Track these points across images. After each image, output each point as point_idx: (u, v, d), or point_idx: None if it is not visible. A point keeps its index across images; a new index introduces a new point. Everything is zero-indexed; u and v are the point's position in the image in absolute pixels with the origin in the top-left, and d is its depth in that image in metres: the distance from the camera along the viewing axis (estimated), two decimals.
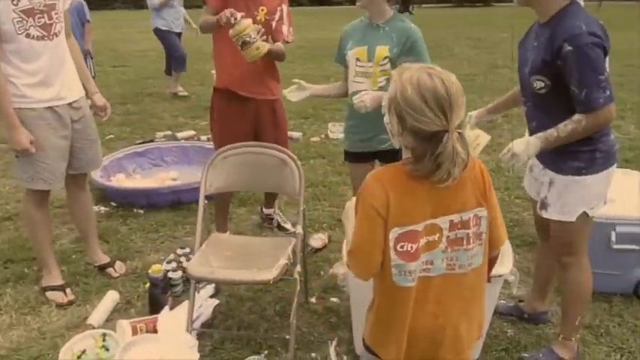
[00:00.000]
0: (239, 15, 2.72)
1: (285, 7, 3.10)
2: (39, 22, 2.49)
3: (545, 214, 2.18)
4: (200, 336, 2.46)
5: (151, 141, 5.42)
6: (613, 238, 2.66)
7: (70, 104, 2.68)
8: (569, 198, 2.09)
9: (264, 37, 2.96)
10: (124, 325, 2.45)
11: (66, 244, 3.44)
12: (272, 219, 3.64)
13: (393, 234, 1.42)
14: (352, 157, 2.81)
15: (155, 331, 2.45)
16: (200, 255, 2.43)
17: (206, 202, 2.57)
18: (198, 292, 2.61)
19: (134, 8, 45.05)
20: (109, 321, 2.64)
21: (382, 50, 2.49)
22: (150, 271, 2.73)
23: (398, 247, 1.43)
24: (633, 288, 2.75)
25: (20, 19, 2.43)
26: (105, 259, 3.12)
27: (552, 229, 2.21)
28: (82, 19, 6.34)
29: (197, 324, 2.52)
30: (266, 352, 2.39)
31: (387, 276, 1.46)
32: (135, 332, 2.44)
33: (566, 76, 1.92)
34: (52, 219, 3.30)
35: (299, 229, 2.46)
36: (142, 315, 2.64)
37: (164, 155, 4.88)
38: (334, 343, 2.44)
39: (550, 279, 2.56)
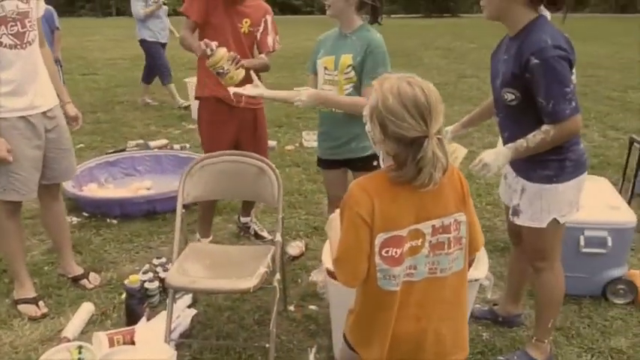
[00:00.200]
0: (214, 45, 2.72)
1: (269, 18, 3.13)
2: (12, 31, 2.45)
3: (517, 221, 2.24)
4: (179, 346, 2.44)
5: (123, 150, 5.35)
6: (582, 242, 2.75)
7: (44, 113, 2.64)
8: (539, 205, 2.16)
9: (248, 50, 3.04)
10: (101, 336, 2.42)
11: (37, 255, 3.36)
12: (249, 227, 3.63)
13: (379, 239, 1.45)
14: (324, 163, 2.85)
15: (132, 343, 2.42)
16: (179, 265, 2.41)
17: (183, 211, 2.56)
18: (176, 303, 2.59)
19: (101, 16, 44.51)
20: (84, 333, 2.59)
21: (346, 59, 2.54)
22: (126, 281, 2.70)
23: (383, 252, 1.46)
24: (601, 290, 2.84)
25: None
26: (79, 270, 3.06)
27: (525, 235, 2.28)
28: (52, 26, 6.24)
29: (175, 334, 2.49)
30: None
31: (372, 280, 1.48)
32: (112, 344, 2.40)
33: (534, 88, 1.98)
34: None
35: (278, 237, 2.47)
36: (118, 326, 2.60)
37: (137, 164, 4.83)
38: (314, 350, 2.45)
39: (522, 283, 2.63)
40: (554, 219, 2.16)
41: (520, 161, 2.19)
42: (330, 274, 2.13)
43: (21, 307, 2.76)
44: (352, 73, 2.53)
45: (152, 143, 5.63)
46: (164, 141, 5.80)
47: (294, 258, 3.30)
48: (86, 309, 2.73)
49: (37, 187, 2.69)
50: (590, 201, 2.81)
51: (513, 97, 2.07)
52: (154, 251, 3.42)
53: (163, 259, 3.07)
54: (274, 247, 2.47)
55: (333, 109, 2.60)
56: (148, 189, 4.31)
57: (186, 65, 10.38)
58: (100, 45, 17.08)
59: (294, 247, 3.35)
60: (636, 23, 23.08)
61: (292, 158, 5.39)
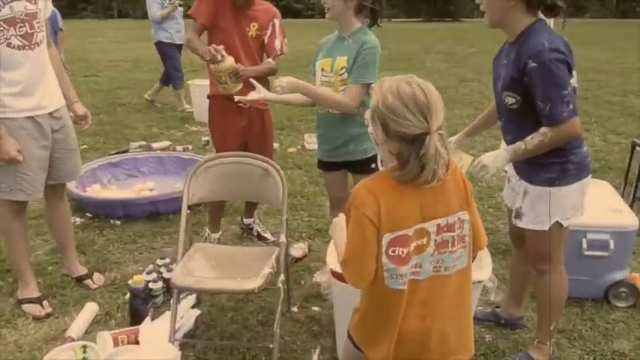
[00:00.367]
0: (223, 52, 2.81)
1: (277, 22, 3.15)
2: (20, 32, 2.47)
3: (520, 224, 2.26)
4: (183, 346, 2.45)
5: (126, 151, 5.37)
6: (584, 245, 2.76)
7: (50, 114, 2.66)
8: (542, 208, 2.17)
9: (256, 53, 3.12)
10: (105, 336, 2.43)
11: (41, 255, 3.37)
12: (252, 229, 3.65)
13: (385, 239, 1.47)
14: (324, 165, 2.88)
15: (137, 342, 2.43)
16: (183, 265, 2.42)
17: (188, 211, 2.57)
18: (180, 303, 2.60)
19: (103, 18, 44.60)
20: (89, 333, 2.60)
21: (340, 61, 2.58)
22: (131, 281, 2.71)
23: (390, 252, 1.47)
24: (604, 293, 2.85)
25: (1, 29, 2.41)
26: (82, 270, 3.07)
27: (527, 238, 2.29)
28: (55, 27, 6.27)
29: (179, 334, 2.50)
30: None
31: (379, 280, 1.50)
32: (116, 343, 2.41)
33: (532, 91, 2.00)
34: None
35: (282, 238, 2.48)
36: (122, 326, 2.61)
37: (140, 166, 4.84)
38: (317, 351, 2.46)
39: (525, 285, 2.64)
40: (557, 222, 2.17)
41: (523, 164, 2.21)
42: (335, 275, 2.14)
43: (25, 307, 2.77)
44: (346, 75, 2.56)
45: (155, 145, 5.64)
46: (167, 142, 5.82)
47: (297, 260, 3.31)
48: (90, 309, 2.73)
49: (43, 187, 2.70)
50: (593, 204, 2.82)
51: (514, 100, 2.09)
52: (158, 252, 3.43)
53: (167, 260, 3.09)
54: (278, 248, 2.49)
55: (330, 110, 2.63)
56: (151, 190, 4.32)
57: (187, 68, 10.40)
58: (101, 47, 17.12)
59: (297, 249, 3.37)
60: (636, 28, 23.17)
61: (294, 161, 5.40)
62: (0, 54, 2.44)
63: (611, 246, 2.76)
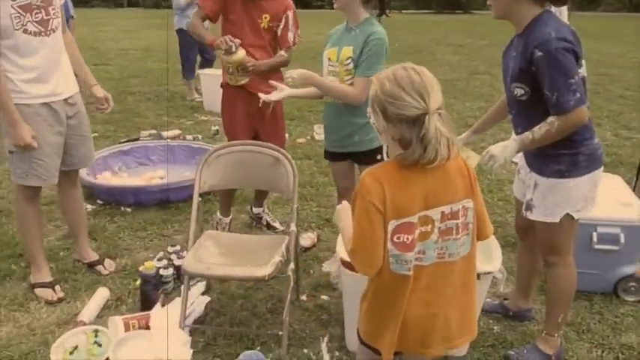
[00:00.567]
0: (238, 43, 2.89)
1: (290, 14, 3.15)
2: (36, 18, 2.49)
3: (530, 216, 2.26)
4: (193, 332, 2.48)
5: (136, 139, 5.40)
6: (594, 238, 2.76)
7: (65, 100, 2.68)
8: (552, 200, 2.17)
9: (268, 45, 3.15)
10: (117, 321, 2.46)
11: (53, 241, 3.41)
12: (261, 218, 3.67)
13: (391, 226, 1.50)
14: (329, 155, 2.90)
15: (147, 328, 2.46)
16: (194, 252, 2.45)
17: (199, 199, 2.59)
18: (190, 290, 2.62)
19: (113, 7, 44.63)
20: (100, 317, 2.63)
21: (346, 51, 2.59)
22: (142, 267, 2.74)
23: (395, 239, 1.50)
24: (613, 287, 2.85)
25: (18, 15, 2.43)
26: (94, 256, 3.11)
27: (537, 230, 2.29)
28: (67, 15, 6.27)
29: (189, 320, 2.53)
30: (259, 347, 2.42)
31: (385, 265, 1.53)
32: (127, 328, 2.45)
33: (540, 81, 2.01)
34: None
35: (292, 227, 2.49)
36: (133, 312, 2.64)
37: (150, 154, 4.87)
38: (326, 339, 2.48)
39: (531, 278, 2.64)
40: (568, 214, 2.17)
41: (533, 156, 2.21)
42: (345, 264, 2.15)
43: (37, 291, 2.81)
44: (351, 65, 2.57)
45: (165, 133, 5.66)
46: (177, 131, 5.84)
47: (307, 249, 3.33)
48: (101, 294, 2.77)
49: (57, 173, 2.73)
50: (604, 198, 2.81)
51: (523, 91, 2.09)
52: (168, 239, 3.46)
53: (177, 247, 3.11)
54: (289, 237, 2.50)
55: (336, 100, 2.64)
56: (161, 178, 4.35)
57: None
58: (112, 35, 17.15)
59: (307, 239, 3.38)
60: None
61: (304, 151, 5.41)
62: (17, 40, 2.46)
63: (622, 240, 2.75)
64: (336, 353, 2.42)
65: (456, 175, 1.55)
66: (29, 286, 2.86)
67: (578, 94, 1.97)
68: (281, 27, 3.13)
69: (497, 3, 2.12)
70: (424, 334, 1.59)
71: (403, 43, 14.62)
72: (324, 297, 2.84)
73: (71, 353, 2.30)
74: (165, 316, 2.48)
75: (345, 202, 1.69)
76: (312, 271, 3.11)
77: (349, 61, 2.57)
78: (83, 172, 3.97)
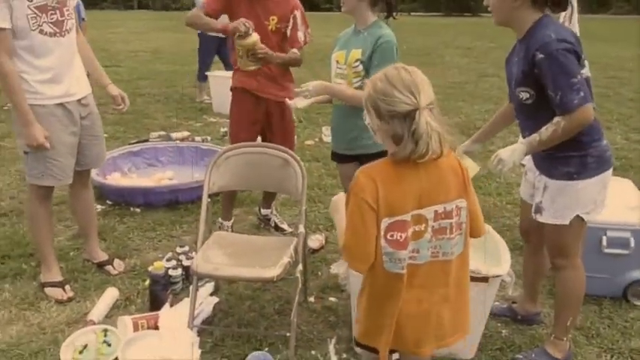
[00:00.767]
0: (252, 25, 2.90)
1: (298, 13, 3.15)
2: (51, 19, 2.52)
3: (540, 219, 2.25)
4: (201, 333, 2.49)
5: (146, 141, 5.43)
6: (604, 242, 2.74)
7: (79, 101, 2.71)
8: (562, 202, 2.17)
9: (277, 46, 3.14)
10: (126, 320, 2.48)
11: (63, 241, 3.44)
12: (269, 219, 3.68)
13: (384, 224, 1.52)
14: (337, 157, 2.92)
15: (156, 328, 2.47)
16: (203, 252, 2.46)
17: (208, 200, 2.60)
18: (198, 290, 2.64)
19: (123, 8, 44.92)
20: (109, 317, 2.65)
21: (355, 53, 2.60)
22: (151, 268, 2.76)
23: (388, 236, 1.53)
24: (622, 291, 2.83)
25: (34, 15, 2.46)
26: (103, 256, 3.13)
27: (546, 232, 2.29)
28: (78, 17, 6.33)
29: (198, 321, 2.54)
30: (266, 348, 2.42)
31: (379, 264, 1.55)
32: (136, 328, 2.46)
33: (544, 82, 2.02)
34: None
35: (301, 229, 2.50)
36: (142, 312, 2.66)
37: (159, 155, 4.90)
38: (333, 341, 2.49)
39: (537, 280, 2.64)
40: (578, 216, 2.16)
41: (542, 159, 2.21)
42: None
43: (48, 290, 2.83)
44: (360, 67, 2.58)
45: (174, 135, 5.70)
46: (186, 133, 5.86)
47: (315, 251, 3.34)
48: (111, 294, 2.79)
49: (72, 173, 2.76)
50: (614, 201, 2.79)
51: (528, 95, 2.11)
52: (177, 240, 3.48)
53: (186, 248, 3.12)
54: (297, 239, 2.51)
55: (344, 102, 2.65)
56: (170, 179, 4.37)
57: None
58: (122, 37, 17.26)
59: (315, 241, 3.39)
60: None
61: (312, 153, 5.42)
62: (32, 41, 2.49)
63: (632, 244, 2.73)
64: (344, 355, 2.42)
65: (449, 174, 1.58)
66: (39, 286, 2.88)
67: (582, 93, 1.98)
68: (290, 27, 3.14)
69: (498, 10, 2.15)
70: (418, 333, 1.62)
71: (412, 46, 14.61)
72: (332, 299, 2.84)
73: (81, 352, 2.32)
74: (174, 317, 2.49)
75: (341, 194, 1.74)
76: (320, 273, 3.11)
77: (357, 63, 2.58)
78: (93, 173, 3.99)
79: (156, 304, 2.67)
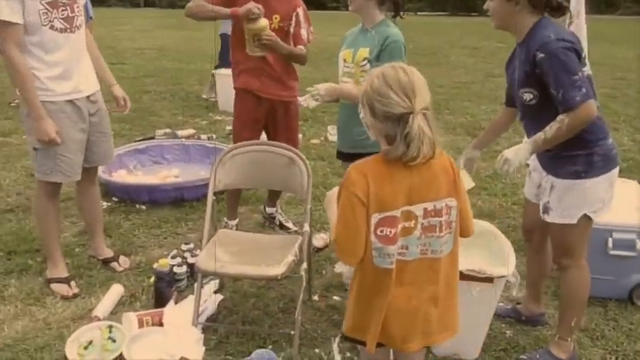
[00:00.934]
0: (260, 13, 2.90)
1: (300, 11, 3.15)
2: (62, 15, 2.54)
3: (547, 219, 2.25)
4: (205, 330, 2.50)
5: (152, 138, 5.45)
6: (610, 244, 2.73)
7: (87, 97, 2.73)
8: (569, 201, 2.17)
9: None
10: (131, 317, 2.49)
11: (69, 237, 3.45)
12: (274, 218, 3.68)
13: (374, 219, 1.54)
14: (342, 156, 2.92)
15: (161, 324, 2.48)
16: (208, 250, 2.47)
17: (214, 198, 2.61)
18: (203, 288, 2.64)
19: (130, 6, 45.07)
20: (114, 314, 2.66)
21: (362, 52, 2.60)
22: (156, 265, 2.77)
23: (378, 232, 1.54)
24: (628, 293, 2.82)
25: (46, 11, 2.48)
26: (109, 253, 3.14)
27: (552, 232, 2.29)
28: (86, 15, 6.35)
29: (202, 318, 2.55)
30: (270, 346, 2.43)
31: (368, 259, 1.57)
32: (141, 325, 2.47)
33: (546, 81, 2.03)
34: None
35: (306, 227, 2.50)
36: (147, 308, 2.67)
37: (165, 153, 4.92)
38: (337, 339, 2.49)
39: (540, 280, 2.64)
40: (585, 215, 2.16)
41: (548, 158, 2.21)
42: None
43: (53, 286, 2.85)
44: (368, 66, 2.58)
45: (180, 132, 5.71)
46: (191, 131, 5.87)
47: (319, 250, 3.34)
48: (116, 290, 2.80)
49: (80, 170, 2.78)
50: (620, 203, 2.78)
51: (532, 95, 2.12)
52: (182, 237, 3.49)
53: (191, 245, 3.14)
54: (302, 237, 2.51)
55: (350, 101, 2.65)
56: (176, 177, 4.38)
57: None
58: (129, 35, 17.32)
59: (319, 239, 3.39)
60: None
61: (317, 152, 5.43)
62: (43, 36, 2.51)
63: (638, 246, 2.73)
64: (347, 354, 2.42)
65: (440, 173, 1.59)
66: (45, 281, 2.90)
67: (583, 90, 1.98)
68: (292, 25, 3.14)
69: (498, 15, 2.17)
70: (406, 329, 1.64)
71: (418, 45, 14.58)
72: (335, 297, 2.85)
73: (86, 348, 2.34)
74: (179, 314, 2.50)
75: (335, 188, 1.74)
76: (324, 272, 3.12)
77: (365, 62, 2.59)
78: (99, 170, 4.02)
79: (161, 301, 2.68)
